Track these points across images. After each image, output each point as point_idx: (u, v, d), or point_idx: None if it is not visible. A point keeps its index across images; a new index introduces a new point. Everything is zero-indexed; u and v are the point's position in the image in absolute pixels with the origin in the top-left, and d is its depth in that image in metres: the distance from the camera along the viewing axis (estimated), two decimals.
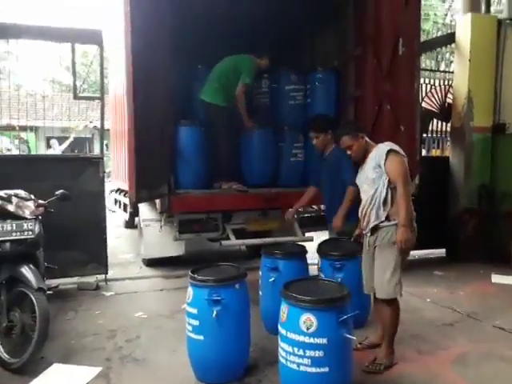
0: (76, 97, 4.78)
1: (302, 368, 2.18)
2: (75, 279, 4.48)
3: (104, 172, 4.49)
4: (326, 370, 2.16)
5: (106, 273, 4.56)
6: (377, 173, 2.71)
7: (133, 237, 6.90)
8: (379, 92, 4.39)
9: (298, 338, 2.18)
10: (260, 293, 3.37)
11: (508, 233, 5.31)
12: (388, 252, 2.69)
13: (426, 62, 6.69)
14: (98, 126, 4.84)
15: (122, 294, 4.33)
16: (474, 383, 2.64)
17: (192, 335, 2.60)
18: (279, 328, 2.30)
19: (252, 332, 2.77)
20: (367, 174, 2.78)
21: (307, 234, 4.81)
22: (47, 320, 2.71)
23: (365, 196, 2.80)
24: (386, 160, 2.68)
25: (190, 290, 2.62)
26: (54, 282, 3.65)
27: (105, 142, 5.85)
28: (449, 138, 6.21)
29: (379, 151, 2.74)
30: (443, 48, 6.60)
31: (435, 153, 7.37)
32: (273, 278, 3.16)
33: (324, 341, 2.15)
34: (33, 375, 2.66)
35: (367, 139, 2.90)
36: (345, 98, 4.80)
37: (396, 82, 4.20)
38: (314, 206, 5.14)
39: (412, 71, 4.08)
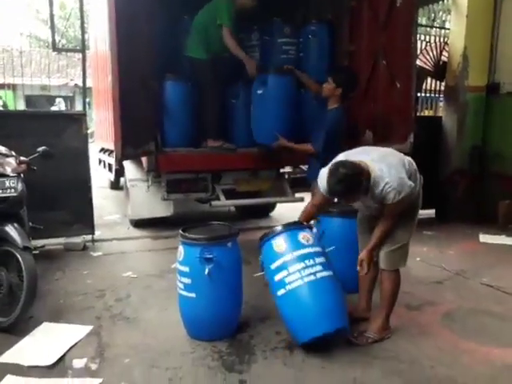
0: (55, 49, 4.52)
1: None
2: (61, 240, 4.40)
3: (87, 129, 4.31)
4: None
5: (93, 233, 4.48)
6: (379, 206, 2.44)
7: (119, 198, 6.78)
8: (375, 46, 4.24)
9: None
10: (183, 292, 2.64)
11: (497, 194, 5.35)
12: (400, 225, 2.50)
13: (419, 19, 6.47)
14: (79, 83, 4.61)
15: (109, 255, 4.28)
16: (461, 336, 2.69)
17: (184, 293, 2.57)
18: None
19: (244, 290, 2.75)
20: (367, 203, 2.50)
21: (297, 195, 4.76)
22: (34, 279, 2.64)
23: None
24: (391, 204, 2.35)
25: (181, 248, 2.57)
26: (39, 243, 3.56)
27: (87, 100, 5.61)
28: (442, 98, 6.12)
29: (389, 195, 2.30)
30: (436, 6, 6.39)
31: (428, 113, 7.29)
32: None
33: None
34: (22, 334, 2.62)
35: (364, 165, 2.34)
36: (339, 53, 4.61)
37: (392, 35, 4.06)
38: (302, 167, 5.07)
39: (409, 24, 3.94)
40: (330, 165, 2.40)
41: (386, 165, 2.34)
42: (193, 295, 2.53)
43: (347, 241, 2.87)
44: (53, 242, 4.30)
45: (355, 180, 2.26)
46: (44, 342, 2.56)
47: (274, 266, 2.47)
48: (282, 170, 5.07)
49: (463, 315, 2.99)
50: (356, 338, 2.58)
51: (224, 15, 4.01)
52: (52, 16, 4.44)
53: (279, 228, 2.56)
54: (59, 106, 11.57)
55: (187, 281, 2.53)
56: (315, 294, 2.40)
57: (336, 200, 2.65)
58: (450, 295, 3.32)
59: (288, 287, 2.41)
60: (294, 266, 2.41)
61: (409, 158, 2.53)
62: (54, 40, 4.49)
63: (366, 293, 2.85)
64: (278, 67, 4.17)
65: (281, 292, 2.44)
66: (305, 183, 4.95)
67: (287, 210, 5.83)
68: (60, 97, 11.91)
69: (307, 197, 4.79)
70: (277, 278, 2.45)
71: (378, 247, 2.52)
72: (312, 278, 2.38)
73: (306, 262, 2.41)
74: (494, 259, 4.18)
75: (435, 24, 7.27)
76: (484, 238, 4.86)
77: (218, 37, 4.10)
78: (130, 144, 3.50)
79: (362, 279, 2.83)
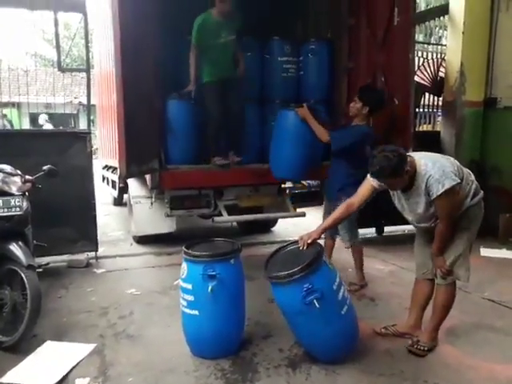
0: (60, 69, 4.61)
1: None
2: (65, 257, 4.42)
3: (92, 147, 4.37)
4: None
5: (97, 250, 4.50)
6: (429, 211, 2.47)
7: (122, 214, 6.81)
8: (373, 63, 4.32)
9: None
10: (186, 310, 2.61)
11: (497, 207, 5.36)
12: (456, 236, 2.56)
13: (416, 36, 6.59)
14: (83, 101, 4.69)
15: (113, 272, 4.29)
16: (465, 351, 2.69)
17: (187, 310, 2.58)
18: None
19: (246, 307, 2.76)
20: (416, 210, 2.51)
21: (299, 210, 4.79)
22: (38, 297, 2.66)
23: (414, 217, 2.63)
24: (438, 198, 2.37)
25: (185, 265, 2.59)
26: (43, 260, 3.58)
27: (91, 117, 5.69)
28: (440, 113, 6.19)
29: (433, 187, 2.35)
30: (433, 22, 6.51)
31: (426, 127, 7.36)
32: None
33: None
34: (26, 353, 2.63)
35: (410, 158, 2.42)
36: (338, 70, 4.69)
37: (390, 53, 4.13)
38: (304, 182, 5.11)
39: (407, 42, 4.01)
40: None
41: (431, 161, 2.42)
42: (196, 313, 2.54)
43: None
44: (57, 260, 4.32)
45: (399, 162, 2.31)
46: (47, 362, 2.57)
47: (335, 286, 2.45)
48: (283, 186, 5.11)
49: (466, 330, 2.99)
50: (413, 347, 2.65)
51: (193, 34, 4.14)
52: (57, 36, 4.54)
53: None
54: (44, 123, 10.62)
55: (190, 298, 2.54)
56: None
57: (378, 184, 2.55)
58: (452, 310, 3.27)
59: (348, 302, 2.51)
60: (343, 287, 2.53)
61: (459, 164, 2.57)
62: (59, 60, 4.58)
63: (418, 309, 2.84)
64: (298, 104, 3.96)
65: (344, 309, 2.47)
66: (306, 198, 5.02)
67: (289, 225, 5.86)
68: (46, 114, 10.83)
69: (309, 212, 4.85)
70: (340, 296, 2.46)
71: (441, 250, 2.54)
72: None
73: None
74: (495, 273, 4.17)
75: (432, 40, 7.39)
76: (485, 251, 4.85)
77: (214, 58, 4.16)
78: (134, 162, 3.54)
79: (415, 294, 2.84)
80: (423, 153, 2.61)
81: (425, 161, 2.43)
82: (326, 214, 3.80)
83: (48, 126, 10.59)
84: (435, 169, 2.37)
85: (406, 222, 2.78)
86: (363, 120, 3.62)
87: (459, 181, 2.40)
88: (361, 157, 3.47)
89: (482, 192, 2.60)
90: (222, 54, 4.17)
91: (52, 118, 11.79)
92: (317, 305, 2.29)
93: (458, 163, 2.58)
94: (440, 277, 2.62)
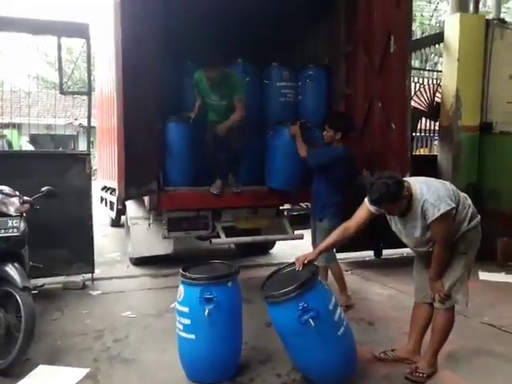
0: (62, 92, 4.68)
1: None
2: (61, 278, 4.38)
3: (91, 169, 4.39)
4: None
5: (93, 272, 4.47)
6: (426, 235, 2.50)
7: (119, 235, 6.79)
8: (370, 89, 4.39)
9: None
10: (183, 334, 2.58)
11: (494, 231, 5.36)
12: (454, 260, 2.57)
13: (412, 62, 6.73)
14: (83, 123, 4.74)
15: (109, 294, 4.25)
16: (465, 378, 2.65)
17: (183, 334, 2.55)
18: None
19: (244, 330, 2.73)
20: (413, 234, 2.54)
21: (297, 232, 4.78)
22: (33, 320, 2.62)
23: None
24: (433, 223, 2.41)
25: (182, 288, 2.57)
26: (39, 281, 3.54)
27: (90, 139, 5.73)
28: (436, 137, 6.27)
29: (428, 212, 2.39)
30: (428, 49, 6.66)
31: (423, 151, 7.43)
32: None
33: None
34: (18, 377, 2.58)
35: (407, 183, 2.46)
36: (336, 96, 4.77)
37: (387, 79, 4.20)
38: (302, 204, 5.12)
39: (403, 69, 4.09)
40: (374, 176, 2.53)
41: (426, 185, 2.47)
42: (192, 337, 2.51)
43: None
44: (52, 281, 4.28)
45: (397, 188, 2.37)
46: None
47: (331, 306, 2.46)
48: (281, 208, 5.12)
49: (466, 356, 2.95)
50: (411, 374, 2.61)
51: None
52: (60, 60, 4.63)
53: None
54: (26, 144, 9.91)
55: (187, 321, 2.52)
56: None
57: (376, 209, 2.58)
58: (451, 335, 3.22)
59: (344, 324, 2.51)
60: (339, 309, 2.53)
61: (455, 188, 2.60)
62: (61, 83, 4.64)
63: (417, 334, 2.81)
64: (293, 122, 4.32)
65: (341, 330, 2.46)
66: (304, 220, 5.01)
67: (287, 247, 5.84)
68: (48, 135, 10.20)
69: (307, 234, 4.83)
70: (336, 316, 2.46)
71: (439, 274, 2.55)
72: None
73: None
74: (494, 297, 4.14)
75: (427, 66, 7.55)
76: (483, 275, 4.83)
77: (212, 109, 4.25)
78: (133, 184, 3.56)
79: (414, 318, 2.82)
80: (418, 177, 2.64)
81: (420, 185, 2.47)
82: (312, 232, 4.02)
83: (29, 148, 10.41)
84: (430, 193, 2.41)
85: (405, 245, 2.79)
86: (339, 144, 3.79)
87: (454, 205, 2.43)
88: (341, 178, 3.72)
89: (478, 216, 2.61)
90: (217, 110, 4.22)
91: (53, 139, 11.88)
92: (312, 323, 2.28)
93: (454, 187, 2.60)
94: (438, 301, 2.61)
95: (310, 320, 2.29)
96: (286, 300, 2.35)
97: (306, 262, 2.55)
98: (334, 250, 3.86)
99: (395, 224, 2.64)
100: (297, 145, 4.02)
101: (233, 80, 4.11)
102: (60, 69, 4.74)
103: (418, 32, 15.42)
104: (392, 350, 2.85)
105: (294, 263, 2.63)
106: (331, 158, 3.73)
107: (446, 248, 2.49)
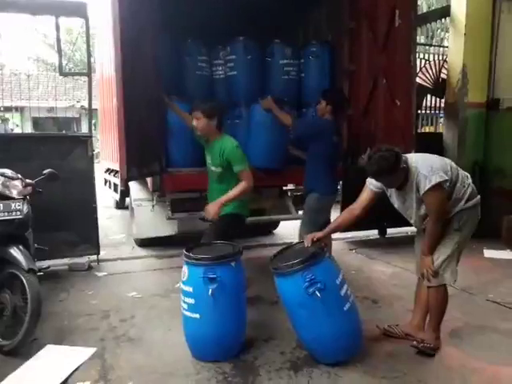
0: (62, 73, 4.62)
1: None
2: (66, 260, 4.42)
3: (93, 151, 4.37)
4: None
5: (98, 253, 4.50)
6: (420, 210, 2.54)
7: (124, 217, 6.82)
8: (374, 66, 4.31)
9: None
10: (187, 313, 2.59)
11: (499, 209, 5.33)
12: (447, 237, 2.57)
13: (418, 38, 6.58)
14: (85, 105, 4.69)
15: (114, 275, 4.28)
16: (469, 354, 2.66)
17: (188, 314, 2.57)
18: None
19: (247, 309, 2.75)
20: (409, 207, 2.58)
21: (300, 212, 4.76)
22: (39, 301, 2.65)
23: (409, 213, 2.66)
24: (425, 194, 2.44)
25: (185, 268, 2.58)
26: (44, 264, 3.57)
27: (93, 121, 5.71)
28: (442, 114, 6.17)
29: (421, 183, 2.43)
30: (434, 24, 6.50)
31: (429, 129, 7.34)
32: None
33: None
34: (26, 357, 2.62)
35: (404, 158, 2.48)
36: (339, 73, 4.68)
37: (392, 55, 4.12)
38: None
39: (408, 44, 4.00)
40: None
41: (421, 159, 2.53)
42: (197, 316, 2.53)
43: None
44: (58, 263, 4.32)
45: (395, 159, 2.40)
46: (47, 366, 2.55)
47: (338, 281, 2.47)
48: (284, 188, 5.09)
49: (470, 332, 2.96)
50: (419, 345, 2.63)
51: None
52: (59, 41, 4.55)
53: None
54: (15, 128, 9.88)
55: (191, 301, 2.53)
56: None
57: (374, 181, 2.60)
58: (456, 312, 3.27)
59: (351, 300, 2.51)
60: (346, 286, 2.53)
61: (455, 166, 2.60)
62: (60, 64, 4.58)
63: (421, 310, 2.83)
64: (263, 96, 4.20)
65: (347, 306, 2.47)
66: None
67: (291, 227, 5.84)
68: (51, 118, 9.85)
69: None
70: (342, 292, 2.47)
71: (430, 249, 2.57)
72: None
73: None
74: (499, 275, 4.15)
75: (433, 42, 7.38)
76: (488, 253, 4.82)
77: None
78: (134, 166, 3.54)
79: (418, 296, 2.84)
80: (416, 153, 2.68)
81: (416, 158, 2.53)
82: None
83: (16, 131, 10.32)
84: (424, 165, 2.45)
85: (409, 224, 2.79)
86: (329, 117, 3.76)
87: (447, 178, 2.44)
88: (327, 150, 3.67)
89: (478, 196, 2.61)
90: (211, 177, 3.39)
91: (55, 121, 11.86)
92: (318, 295, 2.31)
93: (455, 165, 2.60)
94: (426, 278, 2.62)
95: (317, 292, 2.31)
96: (294, 271, 2.38)
97: (315, 239, 2.59)
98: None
99: (395, 198, 2.64)
100: (278, 117, 3.95)
101: (226, 151, 3.09)
102: (59, 50, 4.66)
103: (423, 6, 15.03)
104: (396, 325, 2.88)
105: (302, 242, 2.66)
106: (315, 127, 3.74)
107: (438, 221, 2.50)
